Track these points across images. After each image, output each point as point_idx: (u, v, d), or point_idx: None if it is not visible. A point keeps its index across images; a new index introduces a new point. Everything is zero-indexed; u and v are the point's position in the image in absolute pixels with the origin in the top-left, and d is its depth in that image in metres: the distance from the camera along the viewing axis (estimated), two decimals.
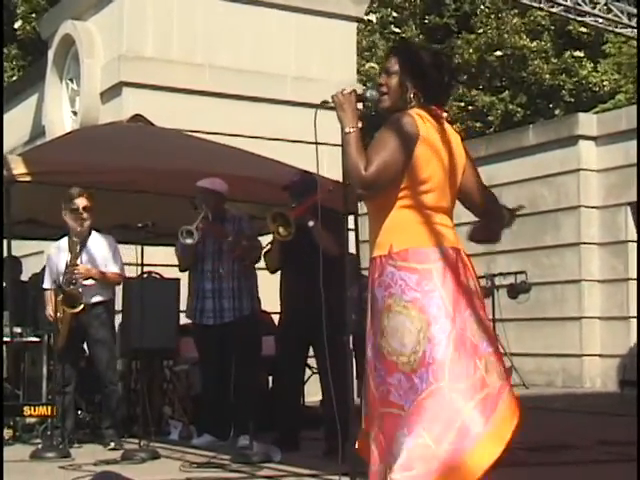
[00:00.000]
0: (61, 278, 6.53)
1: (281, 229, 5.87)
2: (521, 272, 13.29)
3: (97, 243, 6.74)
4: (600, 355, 13.26)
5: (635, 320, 11.61)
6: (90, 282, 6.61)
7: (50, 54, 12.65)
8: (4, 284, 7.37)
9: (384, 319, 3.21)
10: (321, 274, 3.76)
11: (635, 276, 12.15)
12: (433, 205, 3.29)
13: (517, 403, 3.15)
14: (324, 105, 3.39)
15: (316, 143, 3.43)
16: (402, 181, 3.25)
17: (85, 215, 6.62)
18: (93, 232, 6.75)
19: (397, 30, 20.69)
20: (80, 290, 6.48)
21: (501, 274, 13.36)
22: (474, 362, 3.13)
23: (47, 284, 6.83)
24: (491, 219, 3.56)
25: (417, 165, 3.25)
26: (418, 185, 3.27)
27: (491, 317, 13.09)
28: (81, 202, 6.61)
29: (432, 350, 3.12)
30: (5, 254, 7.23)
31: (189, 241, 6.34)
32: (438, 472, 3.02)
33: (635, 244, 12.61)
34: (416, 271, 3.20)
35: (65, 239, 6.74)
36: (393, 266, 3.23)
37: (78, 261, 6.55)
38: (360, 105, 3.41)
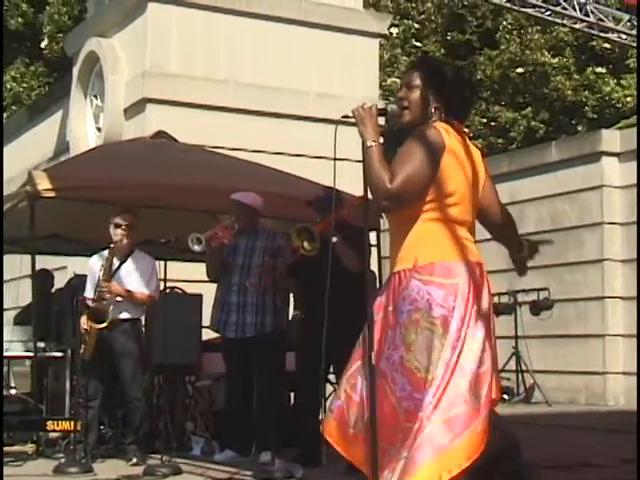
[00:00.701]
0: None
1: (306, 244, 5.89)
2: (544, 289, 13.22)
3: (136, 261, 6.77)
4: (624, 373, 13.14)
5: None
6: (120, 298, 6.65)
7: (75, 71, 12.76)
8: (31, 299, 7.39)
9: (411, 334, 3.18)
10: (328, 288, 3.74)
11: None
12: (458, 218, 3.28)
13: (486, 434, 3.11)
14: (345, 120, 3.37)
15: (335, 159, 3.42)
16: (428, 194, 3.23)
17: (126, 232, 6.68)
18: (136, 250, 6.80)
19: (418, 44, 20.68)
20: (111, 307, 6.51)
21: (524, 291, 13.30)
22: (463, 385, 3.14)
23: (89, 293, 6.78)
24: (506, 240, 3.55)
25: (443, 178, 3.23)
26: (444, 198, 3.25)
27: (513, 334, 13.09)
28: (123, 219, 6.68)
29: (444, 375, 3.13)
30: (30, 269, 7.27)
31: (196, 248, 6.34)
32: None
33: None
34: (443, 286, 3.18)
35: (108, 251, 6.78)
36: (419, 280, 3.21)
37: (113, 280, 6.59)
38: (381, 119, 3.40)
